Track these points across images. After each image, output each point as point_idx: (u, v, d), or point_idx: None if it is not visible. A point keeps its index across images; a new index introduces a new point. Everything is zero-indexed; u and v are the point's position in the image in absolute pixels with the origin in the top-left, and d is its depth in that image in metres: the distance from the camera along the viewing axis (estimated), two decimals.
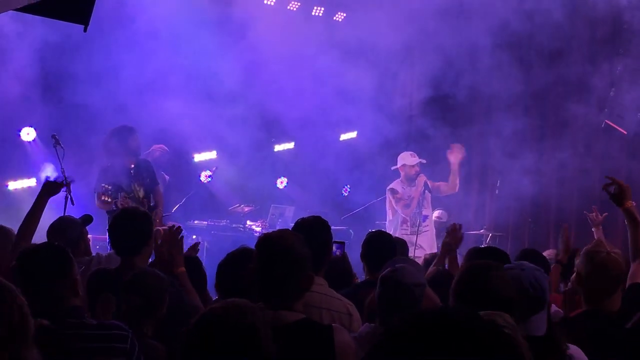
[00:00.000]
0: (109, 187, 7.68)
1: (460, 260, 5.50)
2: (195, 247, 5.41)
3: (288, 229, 3.48)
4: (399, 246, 5.56)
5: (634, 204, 4.55)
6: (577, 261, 3.95)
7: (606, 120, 10.52)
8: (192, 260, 4.71)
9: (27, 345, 2.18)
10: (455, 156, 9.21)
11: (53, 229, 5.09)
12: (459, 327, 1.17)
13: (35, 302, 2.59)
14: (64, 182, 5.09)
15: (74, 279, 3.17)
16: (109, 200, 7.60)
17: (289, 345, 2.78)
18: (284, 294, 2.99)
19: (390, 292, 3.56)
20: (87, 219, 5.45)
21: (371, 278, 4.78)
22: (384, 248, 4.94)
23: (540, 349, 2.79)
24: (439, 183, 9.43)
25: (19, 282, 2.84)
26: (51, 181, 4.99)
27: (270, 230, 3.39)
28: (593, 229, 6.74)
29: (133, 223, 4.37)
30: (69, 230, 5.06)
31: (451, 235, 5.50)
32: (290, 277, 3.04)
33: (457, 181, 9.32)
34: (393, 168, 9.39)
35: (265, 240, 3.14)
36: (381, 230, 5.30)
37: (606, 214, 6.73)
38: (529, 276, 3.07)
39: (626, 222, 4.50)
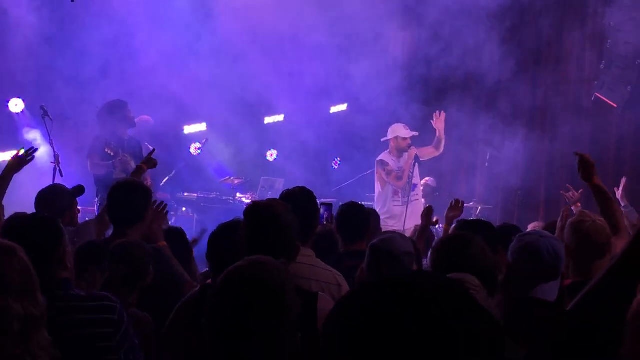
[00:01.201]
0: (112, 143, 7.73)
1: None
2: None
3: (276, 199, 3.49)
4: (373, 217, 5.55)
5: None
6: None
7: (596, 93, 10.52)
8: (177, 232, 4.71)
9: (39, 290, 2.46)
10: (440, 123, 9.25)
11: (42, 196, 5.07)
12: (430, 287, 1.21)
13: None
14: (30, 156, 5.09)
15: (63, 252, 3.16)
16: (111, 153, 7.60)
17: None
18: None
19: (380, 260, 3.61)
20: (79, 190, 5.41)
21: (346, 250, 4.79)
22: (357, 219, 4.93)
23: (548, 313, 2.91)
24: (425, 148, 9.41)
25: None
26: (19, 156, 4.99)
27: None
28: (572, 208, 6.72)
29: (132, 195, 4.35)
30: (58, 199, 5.03)
31: (456, 209, 5.71)
32: (277, 244, 3.05)
33: (442, 145, 9.36)
34: (383, 139, 9.35)
35: (253, 207, 3.16)
36: (354, 202, 5.25)
37: (582, 190, 6.72)
38: (547, 244, 3.14)
39: (597, 199, 4.45)
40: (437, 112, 9.36)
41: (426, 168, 9.82)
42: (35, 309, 2.43)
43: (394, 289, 1.22)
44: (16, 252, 2.49)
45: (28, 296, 2.43)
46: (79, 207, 5.50)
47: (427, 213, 5.82)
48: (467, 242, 3.06)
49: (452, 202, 5.82)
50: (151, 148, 9.14)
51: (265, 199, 3.64)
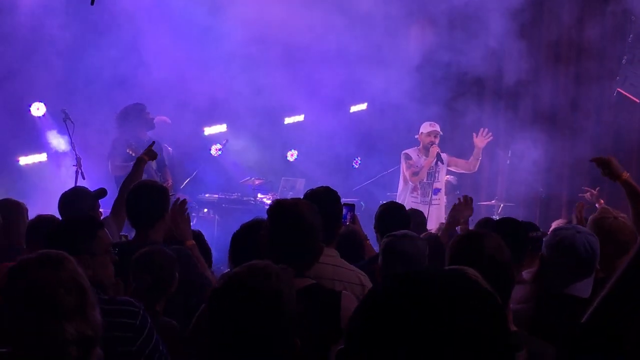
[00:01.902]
0: (133, 143, 7.80)
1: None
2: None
3: (301, 198, 3.49)
4: (413, 218, 5.56)
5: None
6: None
7: (618, 89, 10.42)
8: (196, 235, 4.72)
9: (94, 304, 2.32)
10: (481, 141, 9.28)
11: (65, 199, 5.11)
12: (439, 282, 1.22)
13: None
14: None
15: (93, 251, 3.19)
16: (133, 154, 7.68)
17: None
18: (294, 261, 2.96)
19: (396, 241, 3.82)
20: (101, 192, 5.46)
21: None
22: (397, 218, 4.94)
23: (581, 310, 2.87)
24: (458, 159, 9.47)
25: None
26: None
27: None
28: (597, 205, 6.64)
29: (149, 196, 4.39)
30: (80, 202, 5.07)
31: (466, 208, 5.53)
32: (301, 244, 3.04)
33: (477, 163, 9.38)
34: (416, 136, 9.44)
35: (277, 206, 3.15)
36: (393, 201, 5.30)
37: (598, 187, 6.66)
38: (583, 239, 3.10)
39: (627, 196, 4.33)
40: (483, 129, 9.32)
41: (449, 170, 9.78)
42: (89, 329, 2.23)
43: (402, 282, 1.23)
44: (63, 263, 2.29)
45: (81, 314, 2.23)
46: (101, 209, 5.53)
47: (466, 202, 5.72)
48: (482, 239, 3.03)
49: (460, 199, 5.63)
50: (170, 150, 9.23)
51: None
